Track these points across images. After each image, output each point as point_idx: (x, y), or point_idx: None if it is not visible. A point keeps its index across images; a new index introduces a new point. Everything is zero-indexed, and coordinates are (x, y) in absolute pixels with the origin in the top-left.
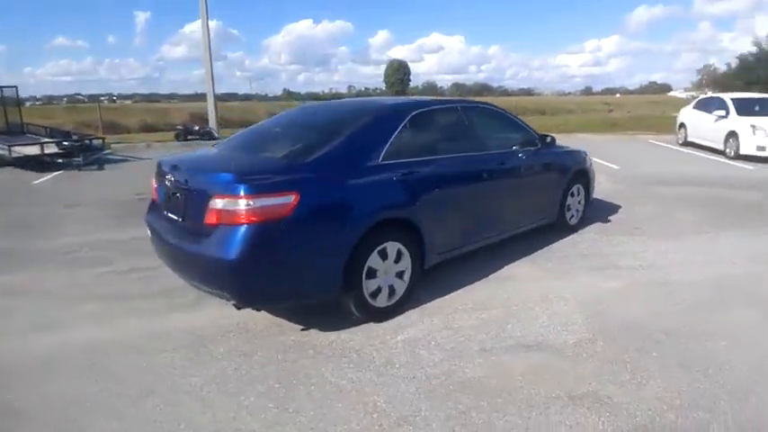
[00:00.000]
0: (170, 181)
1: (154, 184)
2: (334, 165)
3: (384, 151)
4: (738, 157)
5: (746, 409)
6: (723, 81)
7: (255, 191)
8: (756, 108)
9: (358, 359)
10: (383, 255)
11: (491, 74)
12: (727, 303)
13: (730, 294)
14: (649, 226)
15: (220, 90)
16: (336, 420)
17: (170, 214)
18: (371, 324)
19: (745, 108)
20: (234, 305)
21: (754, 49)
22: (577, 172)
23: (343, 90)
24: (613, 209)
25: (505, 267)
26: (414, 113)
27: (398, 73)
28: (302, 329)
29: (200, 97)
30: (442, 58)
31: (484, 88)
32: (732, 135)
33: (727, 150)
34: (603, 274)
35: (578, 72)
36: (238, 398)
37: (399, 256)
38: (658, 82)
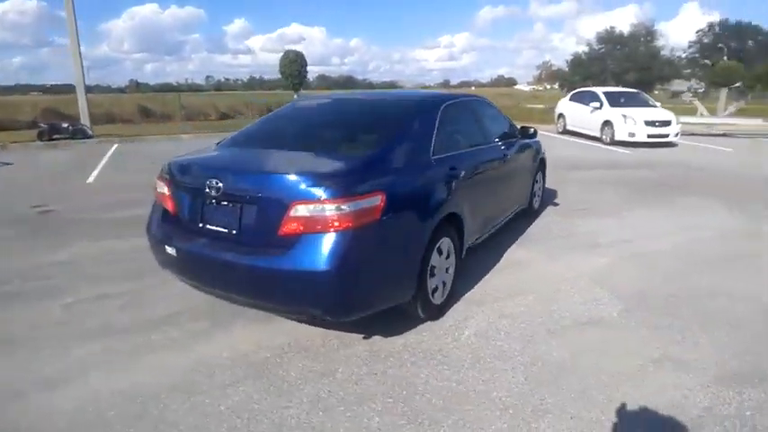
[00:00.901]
0: (211, 188)
1: (163, 191)
2: (404, 162)
3: (432, 146)
4: (614, 142)
5: None
6: (562, 76)
7: (347, 193)
8: (622, 100)
9: (447, 360)
10: (440, 251)
11: (354, 66)
12: (704, 266)
13: (701, 259)
14: (591, 206)
15: (52, 80)
16: (480, 424)
17: (210, 227)
18: (428, 323)
19: (614, 100)
20: (300, 320)
21: (586, 49)
22: (541, 160)
23: (200, 81)
24: (552, 193)
25: (504, 255)
26: (444, 106)
27: (295, 64)
28: (364, 338)
29: (27, 88)
30: (305, 50)
31: (349, 81)
32: (607, 124)
33: (604, 137)
34: (591, 252)
35: (435, 66)
36: (361, 421)
37: (449, 251)
38: (506, 76)
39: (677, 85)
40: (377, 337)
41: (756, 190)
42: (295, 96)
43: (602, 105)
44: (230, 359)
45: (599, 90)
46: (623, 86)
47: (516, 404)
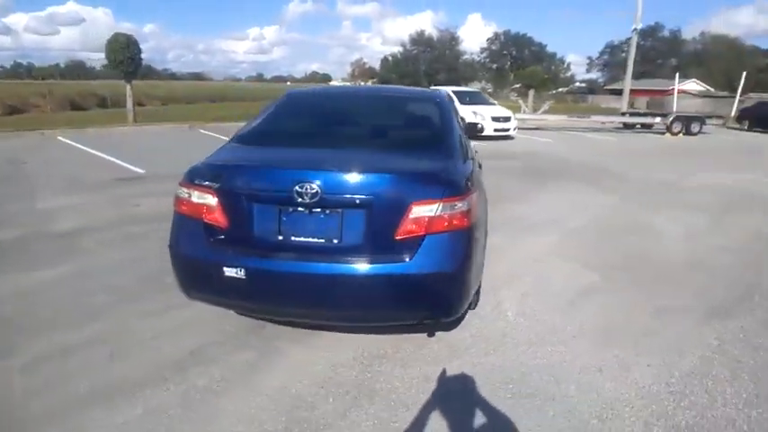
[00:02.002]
0: (304, 194)
1: (205, 201)
2: (463, 159)
3: (459, 142)
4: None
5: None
6: (378, 74)
7: (460, 192)
8: (468, 99)
9: (517, 340)
10: None
11: (151, 54)
12: (623, 231)
13: (617, 226)
14: (503, 194)
15: None
16: (592, 386)
17: (297, 238)
18: (470, 313)
19: (462, 98)
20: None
21: (400, 49)
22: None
23: None
24: None
25: None
26: (450, 101)
27: (128, 51)
28: (429, 336)
29: None
30: (85, 33)
31: (148, 70)
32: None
33: None
34: (538, 233)
35: (245, 58)
36: (505, 405)
37: None
38: (320, 72)
39: (473, 85)
40: (440, 334)
41: (595, 171)
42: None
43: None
44: (318, 385)
45: (448, 89)
46: (434, 85)
47: (597, 365)
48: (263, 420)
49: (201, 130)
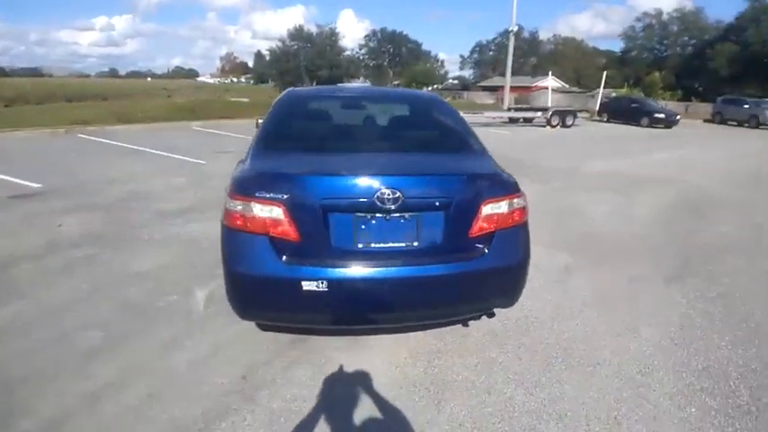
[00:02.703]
0: (385, 200)
1: (269, 214)
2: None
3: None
4: None
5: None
6: (255, 70)
7: (519, 189)
8: None
9: (566, 312)
10: None
11: None
12: (606, 220)
13: (573, 208)
14: None
15: None
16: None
17: (376, 245)
18: None
19: None
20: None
21: (279, 44)
22: None
23: None
24: None
25: None
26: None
27: None
28: (463, 326)
29: None
30: None
31: None
32: None
33: None
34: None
35: (92, 51)
36: (585, 371)
37: None
38: (184, 67)
39: (357, 82)
40: (472, 324)
41: (512, 161)
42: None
43: None
44: (397, 385)
45: (348, 86)
46: (317, 83)
47: (614, 331)
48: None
49: (81, 135)
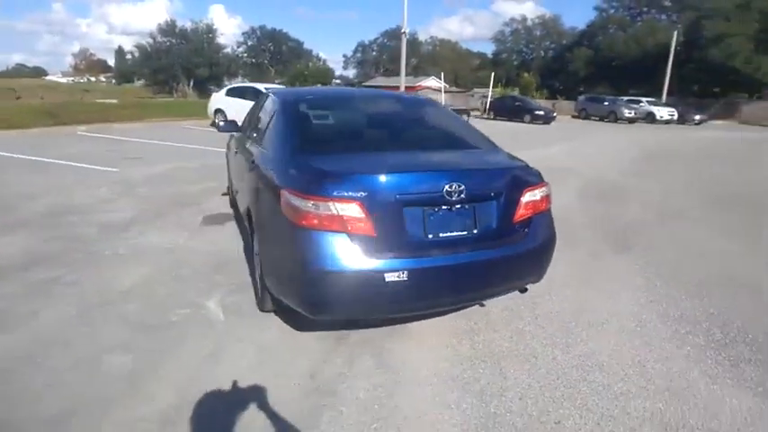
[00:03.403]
0: (452, 193)
1: (351, 213)
2: None
3: None
4: None
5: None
6: (117, 68)
7: (543, 178)
8: None
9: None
10: None
11: None
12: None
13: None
14: None
15: None
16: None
17: (443, 234)
18: None
19: None
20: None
21: (150, 41)
22: None
23: None
24: None
25: None
26: None
27: None
28: (481, 307)
29: None
30: None
31: None
32: None
33: None
34: None
35: None
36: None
37: None
38: (27, 65)
39: (236, 81)
40: (496, 301)
41: None
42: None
43: None
44: (479, 359)
45: (260, 86)
46: (195, 80)
47: (639, 269)
48: (472, 404)
49: None
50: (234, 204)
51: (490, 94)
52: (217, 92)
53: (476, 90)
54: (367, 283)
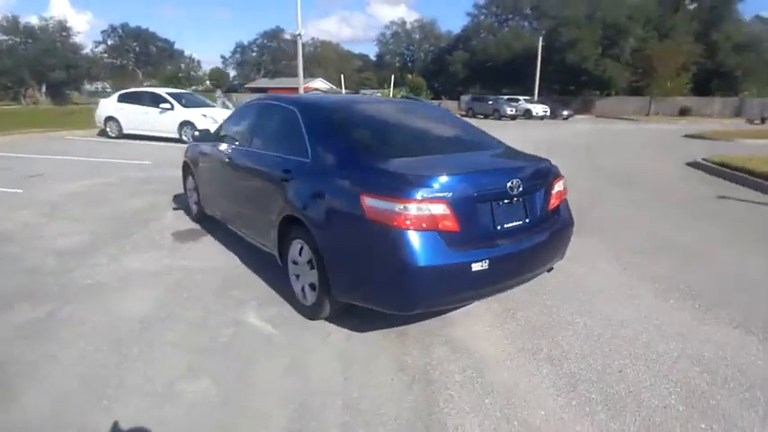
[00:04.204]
0: (513, 188)
1: (438, 212)
2: None
3: None
4: None
5: None
6: None
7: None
8: (183, 101)
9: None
10: None
11: None
12: None
13: None
14: None
15: None
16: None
17: (507, 225)
18: None
19: (179, 101)
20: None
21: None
22: None
23: None
24: None
25: None
26: None
27: None
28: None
29: None
30: None
31: None
32: (187, 123)
33: (185, 137)
34: None
35: None
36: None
37: None
38: None
39: (97, 84)
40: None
41: None
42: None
43: (173, 106)
44: (513, 336)
45: (161, 91)
46: (48, 85)
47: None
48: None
49: None
50: (202, 218)
51: (391, 93)
52: (104, 98)
53: (363, 91)
54: (457, 275)
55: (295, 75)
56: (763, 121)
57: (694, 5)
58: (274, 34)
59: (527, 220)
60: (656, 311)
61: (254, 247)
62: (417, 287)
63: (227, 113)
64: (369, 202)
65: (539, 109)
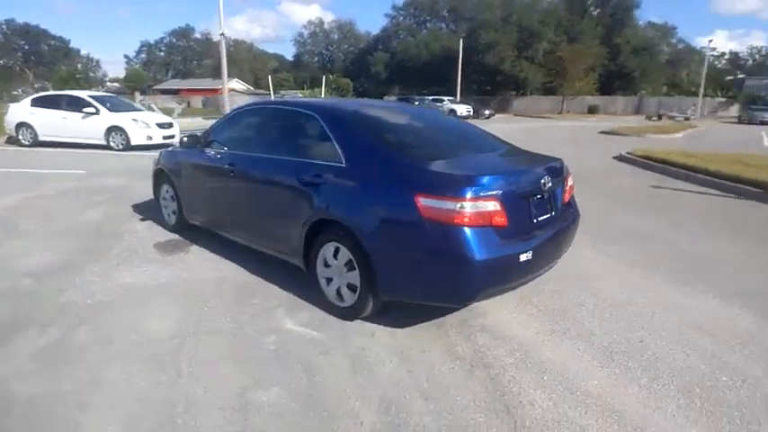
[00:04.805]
0: (545, 185)
1: (491, 208)
2: None
3: None
4: (130, 148)
5: None
6: None
7: None
8: (108, 104)
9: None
10: None
11: None
12: None
13: None
14: None
15: None
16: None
17: (540, 218)
18: None
19: (102, 104)
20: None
21: None
22: None
23: None
24: None
25: None
26: None
27: None
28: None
29: None
30: None
31: None
32: (115, 129)
33: (113, 144)
34: None
35: None
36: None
37: None
38: None
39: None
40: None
41: None
42: None
43: (98, 110)
44: (558, 316)
45: (83, 94)
46: None
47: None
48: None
49: None
50: (181, 228)
51: (323, 95)
52: (16, 102)
53: (282, 92)
54: (508, 266)
55: (208, 76)
56: (660, 117)
57: (598, 11)
58: (183, 33)
59: (553, 213)
60: (648, 289)
61: (252, 255)
62: (476, 280)
63: (160, 118)
64: (424, 201)
65: (462, 109)
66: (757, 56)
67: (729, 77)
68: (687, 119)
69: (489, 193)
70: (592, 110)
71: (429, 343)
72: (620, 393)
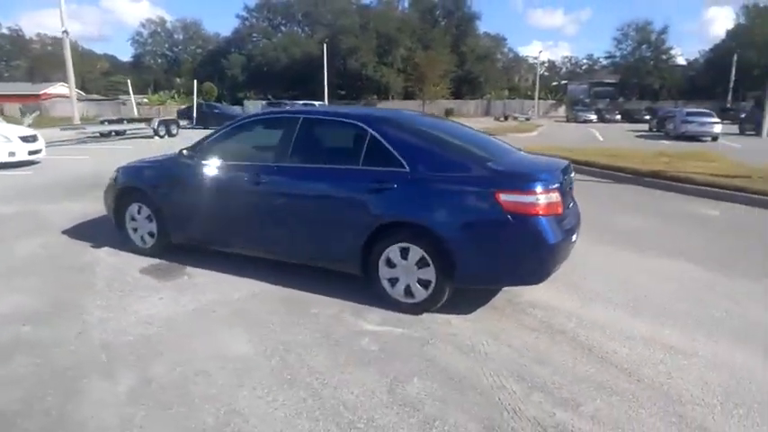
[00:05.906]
0: (567, 180)
1: (554, 199)
2: None
3: None
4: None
5: None
6: None
7: None
8: None
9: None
10: None
11: None
12: None
13: None
14: None
15: None
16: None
17: (569, 208)
18: None
19: None
20: None
21: None
22: None
23: None
24: None
25: None
26: None
27: None
28: None
29: None
30: None
31: None
32: None
33: None
34: None
35: None
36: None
37: None
38: None
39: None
40: None
41: None
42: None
43: None
44: (575, 302)
45: None
46: None
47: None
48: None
49: None
50: (162, 250)
51: (195, 101)
52: None
53: (122, 98)
54: (564, 247)
55: (20, 79)
56: (506, 118)
57: (445, 21)
58: None
59: (570, 206)
60: (645, 264)
61: (258, 268)
62: (550, 260)
63: (21, 130)
64: (504, 197)
65: None
66: (568, 64)
67: (555, 83)
68: (528, 119)
69: (552, 186)
70: (448, 113)
71: (501, 323)
72: (680, 341)
